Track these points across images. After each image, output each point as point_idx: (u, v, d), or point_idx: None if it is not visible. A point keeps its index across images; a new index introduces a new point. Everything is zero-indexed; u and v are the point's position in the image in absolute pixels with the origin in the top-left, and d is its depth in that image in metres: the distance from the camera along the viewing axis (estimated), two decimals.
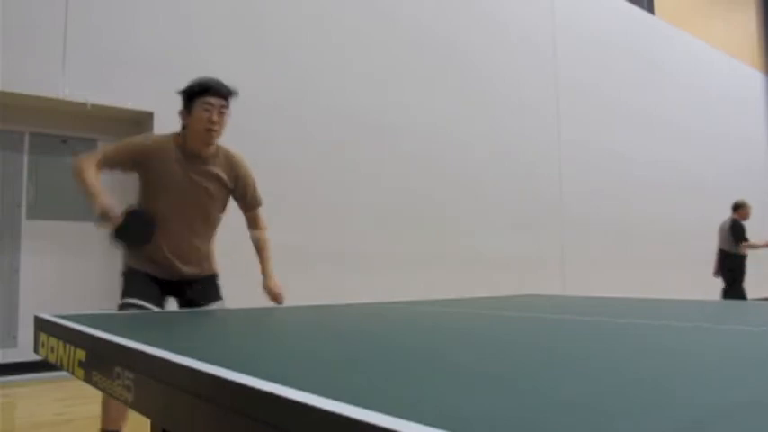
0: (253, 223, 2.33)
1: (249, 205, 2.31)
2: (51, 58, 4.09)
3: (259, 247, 2.30)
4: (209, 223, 2.21)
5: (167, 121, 4.49)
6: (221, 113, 2.11)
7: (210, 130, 2.09)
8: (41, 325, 1.27)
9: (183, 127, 2.17)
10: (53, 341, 1.16)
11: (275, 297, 2.17)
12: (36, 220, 4.29)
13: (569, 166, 7.53)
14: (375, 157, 5.60)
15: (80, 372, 1.01)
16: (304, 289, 4.98)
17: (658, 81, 9.15)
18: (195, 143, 2.13)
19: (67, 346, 1.08)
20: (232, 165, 2.23)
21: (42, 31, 4.07)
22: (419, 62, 6.17)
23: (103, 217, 1.89)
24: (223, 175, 2.20)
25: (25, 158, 4.31)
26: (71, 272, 4.34)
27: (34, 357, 1.41)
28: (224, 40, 4.86)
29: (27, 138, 4.32)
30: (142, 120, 4.52)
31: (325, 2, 5.54)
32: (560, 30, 7.72)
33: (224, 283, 2.27)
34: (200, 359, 0.70)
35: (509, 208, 6.74)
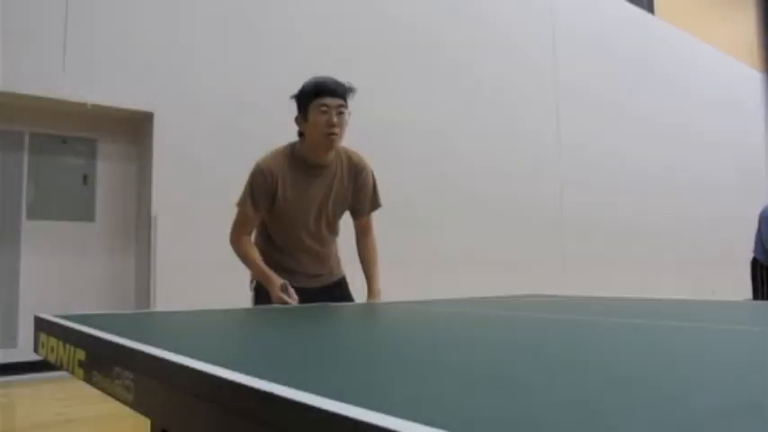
0: (362, 230, 2.20)
1: (363, 212, 2.17)
2: (51, 58, 4.09)
3: (364, 259, 2.19)
4: (331, 229, 2.13)
5: (167, 121, 4.51)
6: (340, 113, 1.95)
7: (331, 135, 1.93)
8: (41, 325, 1.27)
9: (300, 134, 2.05)
10: (53, 341, 1.16)
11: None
12: (36, 220, 4.29)
13: (569, 167, 7.53)
14: (374, 158, 5.59)
15: (80, 372, 1.01)
16: None
17: (658, 81, 9.15)
18: (316, 151, 2.00)
19: (67, 346, 1.08)
20: (351, 168, 2.10)
21: (42, 31, 4.08)
22: (418, 64, 6.17)
23: (280, 302, 1.88)
24: (347, 181, 2.09)
25: (25, 158, 4.31)
26: (71, 272, 4.34)
27: (34, 357, 1.41)
28: (224, 41, 4.86)
29: (27, 138, 4.32)
30: (142, 120, 4.53)
31: (325, 2, 5.54)
32: (560, 30, 7.72)
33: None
34: (200, 359, 0.70)
35: (509, 208, 6.75)
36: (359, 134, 5.59)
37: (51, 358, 1.17)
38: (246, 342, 1.09)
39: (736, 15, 11.75)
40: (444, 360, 0.81)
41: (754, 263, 4.87)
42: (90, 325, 1.09)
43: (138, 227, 4.61)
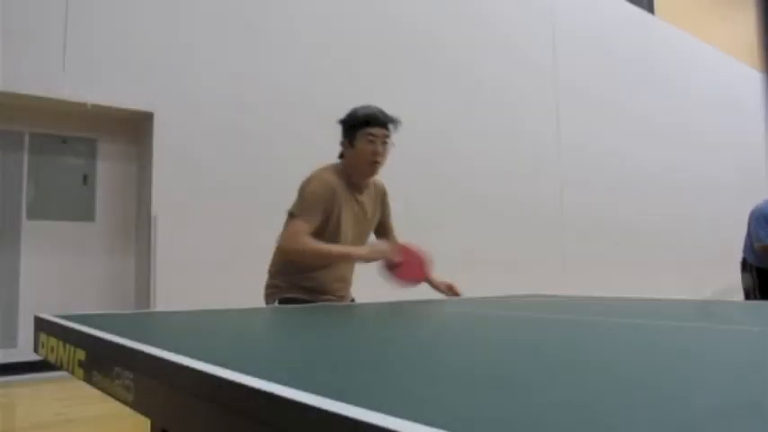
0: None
1: (387, 230, 2.36)
2: (51, 58, 4.09)
3: None
4: None
5: (167, 121, 4.51)
6: (384, 143, 2.07)
7: (375, 163, 2.06)
8: (41, 325, 1.26)
9: (341, 156, 2.13)
10: (53, 341, 1.16)
11: (454, 290, 2.31)
12: (36, 220, 4.29)
13: (569, 167, 7.53)
14: None
15: (80, 372, 1.01)
16: None
17: (658, 81, 9.15)
18: (358, 175, 2.10)
19: (67, 346, 1.08)
20: (378, 191, 2.25)
21: (42, 31, 4.08)
22: (418, 64, 6.17)
23: (386, 258, 1.97)
24: (376, 203, 2.24)
25: (25, 158, 4.31)
26: (71, 272, 4.34)
27: (34, 357, 1.41)
28: (224, 41, 4.86)
29: (27, 138, 4.33)
30: (142, 120, 4.52)
31: (325, 2, 5.54)
32: (560, 30, 7.72)
33: None
34: (200, 359, 0.70)
35: (509, 208, 6.75)
36: None
37: (51, 358, 1.17)
38: (246, 342, 1.09)
39: (736, 15, 11.75)
40: (444, 360, 0.81)
41: (744, 263, 4.88)
42: (90, 325, 1.09)
43: (138, 227, 4.61)
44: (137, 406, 0.78)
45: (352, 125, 2.06)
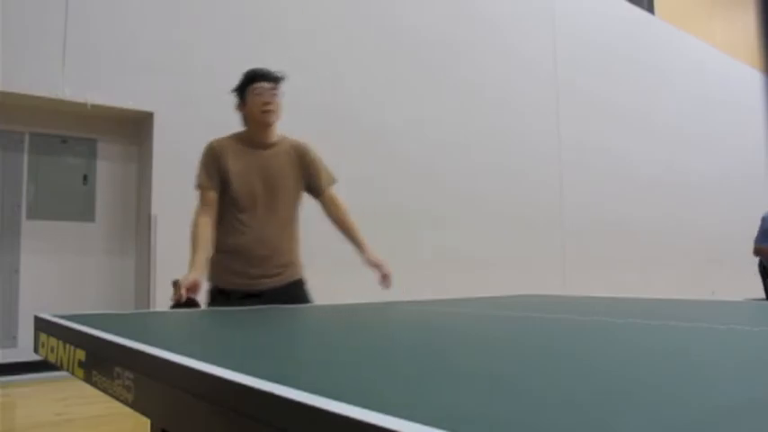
0: (330, 204, 2.32)
1: (323, 187, 2.30)
2: (51, 58, 4.09)
3: (346, 227, 2.32)
4: (289, 216, 2.22)
5: (167, 121, 4.51)
6: (273, 95, 2.18)
7: (266, 111, 2.15)
8: (41, 325, 1.26)
9: (244, 120, 2.24)
10: (53, 341, 1.16)
11: (380, 267, 2.17)
12: (36, 220, 4.29)
13: (569, 167, 7.53)
14: (374, 158, 5.60)
15: (80, 372, 1.01)
16: None
17: (658, 81, 9.15)
18: (257, 129, 2.19)
19: (67, 346, 1.08)
20: (297, 151, 2.25)
21: (42, 31, 4.08)
22: (418, 64, 6.17)
23: (176, 287, 1.89)
24: (293, 162, 2.23)
25: (25, 158, 4.31)
26: (71, 272, 4.34)
27: (34, 357, 1.41)
28: (225, 41, 4.86)
29: (27, 138, 4.33)
30: (142, 120, 4.52)
31: (326, 4, 5.54)
32: (560, 30, 7.72)
33: None
34: (200, 359, 0.70)
35: (509, 209, 6.75)
36: (359, 135, 5.61)
37: (51, 358, 1.17)
38: (247, 342, 1.09)
39: (736, 15, 11.74)
40: (444, 360, 0.81)
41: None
42: (90, 325, 1.09)
43: (138, 227, 4.61)
44: (137, 406, 0.78)
45: (240, 87, 2.20)
